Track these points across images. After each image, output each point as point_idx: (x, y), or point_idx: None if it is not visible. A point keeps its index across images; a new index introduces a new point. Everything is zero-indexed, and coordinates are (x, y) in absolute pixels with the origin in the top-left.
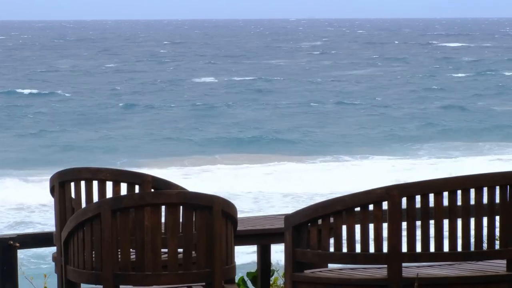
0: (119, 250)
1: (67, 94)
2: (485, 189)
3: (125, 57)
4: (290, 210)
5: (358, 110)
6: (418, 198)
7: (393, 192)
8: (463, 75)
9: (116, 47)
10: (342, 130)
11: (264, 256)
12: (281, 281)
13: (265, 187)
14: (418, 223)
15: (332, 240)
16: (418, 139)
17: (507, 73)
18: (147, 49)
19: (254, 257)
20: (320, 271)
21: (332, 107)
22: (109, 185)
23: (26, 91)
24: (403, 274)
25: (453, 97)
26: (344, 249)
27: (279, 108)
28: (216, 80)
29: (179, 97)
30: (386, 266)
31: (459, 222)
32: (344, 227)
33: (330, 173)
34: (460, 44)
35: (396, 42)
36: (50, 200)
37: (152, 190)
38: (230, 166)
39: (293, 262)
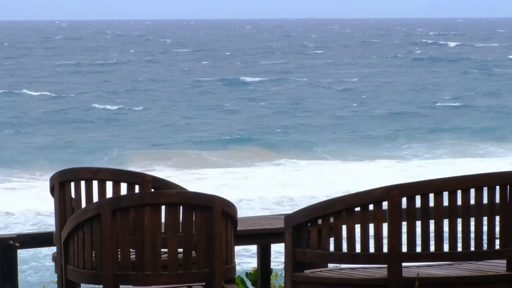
0: (119, 250)
1: (48, 93)
2: (485, 189)
3: (112, 56)
4: (269, 212)
5: (347, 109)
6: (418, 198)
7: (393, 192)
8: (456, 74)
9: (105, 46)
10: (329, 130)
11: (264, 256)
12: (275, 282)
13: (244, 188)
14: (418, 223)
15: (332, 240)
16: (408, 139)
17: (497, 71)
18: (139, 49)
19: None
20: (320, 271)
21: (319, 106)
22: (109, 185)
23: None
24: (403, 274)
25: (444, 96)
26: (344, 249)
27: (265, 108)
28: (207, 79)
29: (168, 96)
30: (386, 266)
31: (459, 222)
32: (344, 227)
33: (316, 175)
34: (456, 43)
35: (391, 41)
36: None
37: (152, 190)
38: (218, 164)
39: (293, 262)
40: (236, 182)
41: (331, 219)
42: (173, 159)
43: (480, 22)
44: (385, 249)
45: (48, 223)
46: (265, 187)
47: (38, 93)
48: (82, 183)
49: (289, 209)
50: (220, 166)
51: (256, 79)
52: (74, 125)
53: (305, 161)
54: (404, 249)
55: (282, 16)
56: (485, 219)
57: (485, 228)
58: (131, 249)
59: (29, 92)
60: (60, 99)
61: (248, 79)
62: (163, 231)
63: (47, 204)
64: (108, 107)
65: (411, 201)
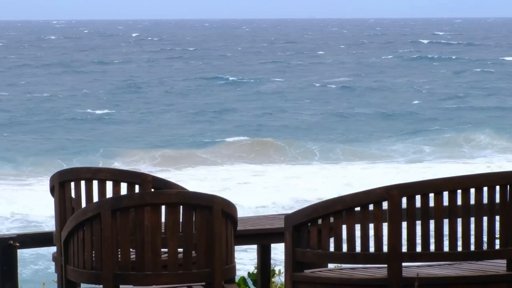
0: (119, 250)
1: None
2: (485, 189)
3: (103, 56)
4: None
5: (340, 109)
6: (418, 198)
7: (393, 192)
8: (450, 73)
9: (98, 46)
10: (319, 129)
11: (264, 256)
12: (277, 279)
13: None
14: (418, 222)
15: (332, 240)
16: (397, 139)
17: (491, 71)
18: (132, 49)
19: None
20: (320, 271)
21: (309, 105)
22: (109, 185)
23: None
24: (403, 274)
25: (435, 96)
26: (344, 249)
27: (255, 107)
28: (197, 78)
29: (156, 95)
30: (386, 266)
31: (459, 222)
32: (344, 227)
33: (307, 176)
34: (452, 42)
35: (388, 41)
36: None
37: (152, 190)
38: (207, 161)
39: (293, 262)
40: (222, 183)
41: (331, 219)
42: (160, 158)
43: (480, 22)
44: (385, 249)
45: (34, 222)
46: (247, 188)
47: (26, 94)
48: (82, 183)
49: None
50: (209, 164)
51: (247, 78)
52: (64, 124)
53: (293, 161)
54: (404, 249)
55: (282, 16)
56: (485, 219)
57: (485, 228)
58: (131, 249)
59: (14, 93)
60: (49, 98)
61: (238, 78)
62: (163, 231)
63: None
64: (95, 107)
65: (411, 201)
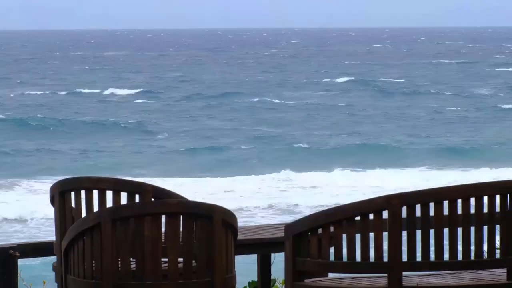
0: (119, 259)
1: None
2: (485, 198)
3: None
4: None
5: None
6: (418, 207)
7: (393, 201)
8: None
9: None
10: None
11: (264, 265)
12: None
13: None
14: (418, 232)
15: (332, 249)
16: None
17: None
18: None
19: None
20: (321, 280)
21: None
22: (109, 194)
23: None
24: (403, 283)
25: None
26: (345, 258)
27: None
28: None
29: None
30: (386, 275)
31: (459, 231)
32: (344, 236)
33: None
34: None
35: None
36: None
37: (152, 199)
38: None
39: (293, 271)
40: None
41: (332, 228)
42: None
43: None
44: (385, 258)
45: None
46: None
47: None
48: (82, 192)
49: None
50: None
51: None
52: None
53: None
54: (405, 258)
55: (284, 25)
56: (485, 228)
57: (485, 237)
58: (131, 259)
59: None
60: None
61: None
62: (163, 240)
63: None
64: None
65: (411, 210)
